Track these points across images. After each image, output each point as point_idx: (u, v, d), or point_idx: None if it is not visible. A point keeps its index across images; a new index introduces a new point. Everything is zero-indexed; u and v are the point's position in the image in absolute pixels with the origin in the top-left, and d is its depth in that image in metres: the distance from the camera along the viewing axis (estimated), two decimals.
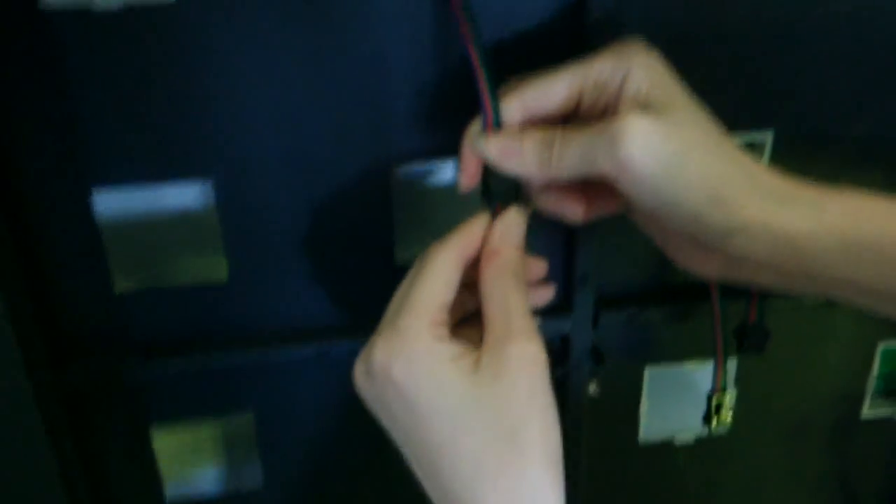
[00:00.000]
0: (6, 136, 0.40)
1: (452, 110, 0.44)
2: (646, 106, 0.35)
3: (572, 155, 0.36)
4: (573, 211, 0.40)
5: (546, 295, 0.42)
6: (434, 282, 0.35)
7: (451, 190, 0.46)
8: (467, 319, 0.38)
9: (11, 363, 0.42)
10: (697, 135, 0.35)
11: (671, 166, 0.34)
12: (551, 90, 0.37)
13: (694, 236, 0.36)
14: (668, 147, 0.34)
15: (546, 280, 0.42)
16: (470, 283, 0.37)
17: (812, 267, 0.34)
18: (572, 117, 0.38)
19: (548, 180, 0.38)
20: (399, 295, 0.36)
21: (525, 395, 0.32)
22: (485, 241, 0.37)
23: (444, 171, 0.46)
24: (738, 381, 0.56)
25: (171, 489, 0.53)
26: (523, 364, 0.33)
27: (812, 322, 0.55)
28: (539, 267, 0.41)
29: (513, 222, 0.37)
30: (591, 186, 0.39)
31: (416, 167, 0.45)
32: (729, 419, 0.51)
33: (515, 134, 0.37)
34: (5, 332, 0.41)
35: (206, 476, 0.53)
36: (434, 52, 0.42)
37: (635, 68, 0.36)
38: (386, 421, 0.35)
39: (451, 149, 0.45)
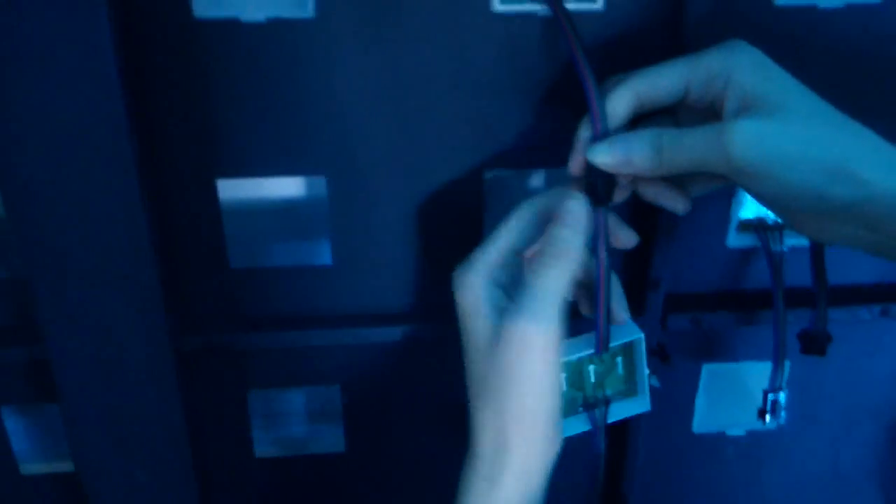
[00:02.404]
0: (150, 128, 0.45)
1: (546, 121, 0.48)
2: (754, 102, 0.36)
3: (682, 159, 0.38)
4: (674, 203, 0.43)
5: (630, 238, 0.45)
6: (509, 229, 0.42)
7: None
8: None
9: (159, 329, 0.48)
10: (815, 119, 0.36)
11: (787, 160, 0.35)
12: (662, 81, 0.39)
13: (819, 211, 0.37)
14: (780, 144, 0.35)
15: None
16: None
17: None
18: (677, 110, 0.40)
19: (656, 176, 0.41)
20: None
21: (511, 365, 0.39)
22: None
23: (534, 178, 0.50)
24: (791, 383, 0.59)
25: (259, 446, 0.58)
26: (522, 343, 0.39)
27: (868, 335, 0.58)
28: (628, 237, 0.44)
29: (576, 208, 0.41)
30: (695, 174, 0.41)
31: (508, 173, 0.49)
32: (783, 416, 0.54)
33: (623, 139, 0.39)
34: (156, 301, 0.47)
35: (294, 438, 0.58)
36: (529, 63, 0.46)
37: (743, 63, 0.37)
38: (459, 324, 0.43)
39: (542, 157, 0.49)
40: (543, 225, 0.41)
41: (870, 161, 0.35)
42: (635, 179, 0.42)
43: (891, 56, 0.48)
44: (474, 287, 0.41)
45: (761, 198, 0.40)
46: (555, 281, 0.39)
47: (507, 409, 0.40)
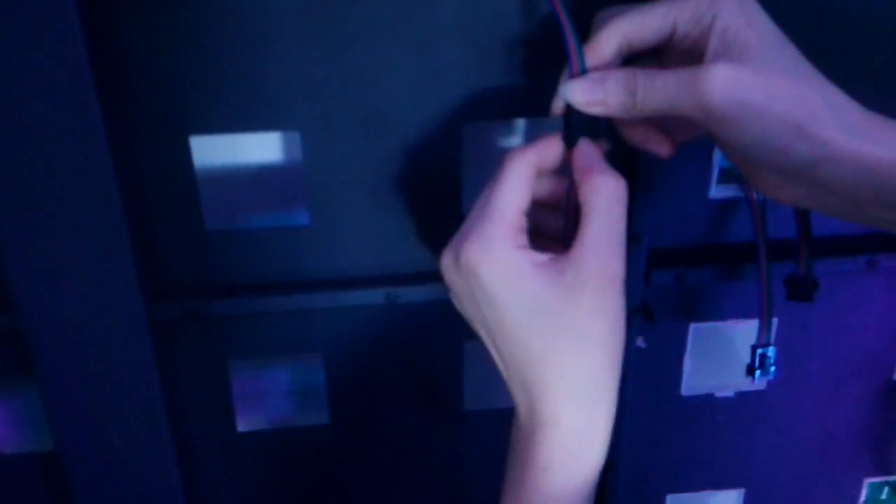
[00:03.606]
0: (119, 83, 0.44)
1: (522, 74, 0.47)
2: (733, 47, 0.36)
3: (655, 99, 0.37)
4: (657, 146, 0.42)
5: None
6: (514, 188, 0.38)
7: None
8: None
9: (132, 296, 0.46)
10: (786, 73, 0.36)
11: (756, 109, 0.35)
12: (648, 21, 0.39)
13: (778, 168, 0.37)
14: (753, 91, 0.35)
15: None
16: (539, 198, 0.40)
17: (891, 196, 0.36)
18: (663, 51, 0.40)
19: (630, 118, 0.40)
20: (482, 198, 0.39)
21: (593, 310, 0.37)
22: (565, 162, 0.40)
23: (512, 130, 0.49)
24: (777, 342, 0.59)
25: (242, 420, 0.57)
26: (601, 281, 0.37)
27: (853, 288, 0.58)
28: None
29: (594, 150, 0.40)
30: (676, 118, 0.40)
31: (486, 125, 0.48)
32: (772, 372, 0.53)
33: (598, 78, 0.39)
34: (129, 267, 0.45)
35: (277, 408, 0.57)
36: (506, 14, 0.45)
37: (730, 6, 0.37)
38: (469, 308, 0.40)
39: (519, 110, 0.48)
40: (537, 177, 0.40)
41: (832, 122, 0.36)
42: (619, 123, 0.42)
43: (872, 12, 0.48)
44: (507, 259, 0.37)
45: (727, 147, 0.40)
46: (613, 223, 0.38)
47: (592, 353, 0.38)
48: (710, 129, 0.37)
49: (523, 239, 0.39)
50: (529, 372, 0.38)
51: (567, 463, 0.38)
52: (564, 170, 0.41)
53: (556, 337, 0.37)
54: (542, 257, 0.38)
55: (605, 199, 0.38)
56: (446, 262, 0.39)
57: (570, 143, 0.40)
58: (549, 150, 0.40)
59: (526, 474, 0.38)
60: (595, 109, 0.39)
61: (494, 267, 0.37)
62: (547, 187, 0.42)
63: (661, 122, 0.42)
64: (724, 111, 0.36)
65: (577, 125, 0.40)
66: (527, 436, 0.39)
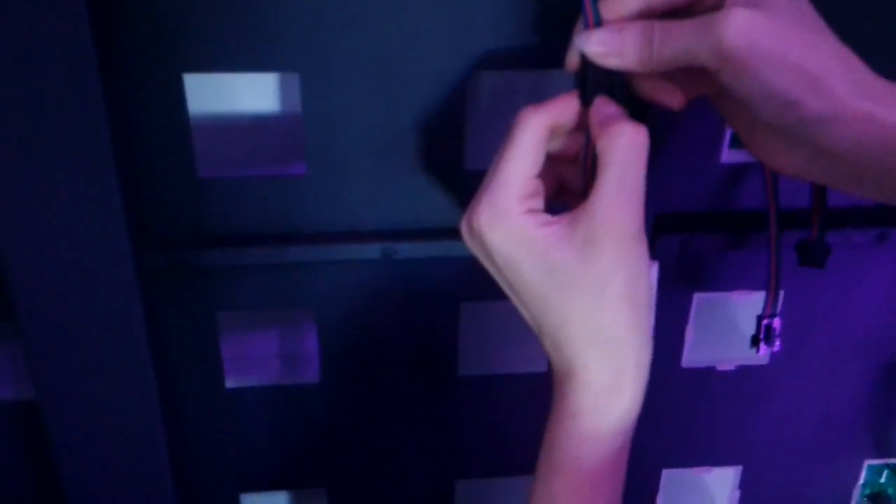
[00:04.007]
0: (109, 15, 0.42)
1: (534, 24, 0.46)
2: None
3: (673, 48, 0.37)
4: (671, 98, 0.41)
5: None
6: (525, 152, 0.38)
7: (525, 101, 0.48)
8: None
9: (120, 243, 0.45)
10: (801, 27, 0.36)
11: (773, 57, 0.35)
12: None
13: (785, 127, 0.37)
14: (770, 38, 0.35)
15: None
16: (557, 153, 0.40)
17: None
18: (682, 10, 0.39)
19: (647, 71, 0.39)
20: (494, 162, 0.39)
21: (610, 262, 0.37)
22: (581, 121, 0.39)
23: (520, 82, 0.47)
24: (782, 316, 0.57)
25: (230, 376, 0.55)
26: (615, 234, 0.36)
27: (860, 262, 0.57)
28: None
29: (611, 104, 0.39)
30: (689, 72, 0.40)
31: (494, 76, 0.47)
32: (777, 344, 0.52)
33: (615, 28, 0.38)
34: (117, 212, 0.44)
35: (266, 365, 0.55)
36: None
37: None
38: (490, 267, 0.40)
39: (529, 61, 0.47)
40: (550, 140, 0.39)
41: (843, 79, 0.35)
42: (631, 76, 0.41)
43: None
44: (516, 226, 0.37)
45: (735, 104, 0.40)
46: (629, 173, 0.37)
47: (613, 306, 0.37)
48: (724, 80, 0.36)
49: (536, 202, 0.39)
50: (554, 328, 0.39)
51: (595, 410, 0.39)
52: (581, 128, 0.40)
53: (574, 293, 0.37)
54: (553, 218, 0.38)
55: (623, 149, 0.37)
56: (464, 229, 0.40)
57: (586, 101, 0.39)
58: (565, 109, 0.39)
59: (557, 422, 0.39)
60: (611, 61, 0.38)
61: (504, 235, 0.38)
62: (565, 143, 0.41)
63: (674, 78, 0.41)
64: (740, 56, 0.35)
65: (593, 82, 0.39)
66: (558, 385, 0.40)
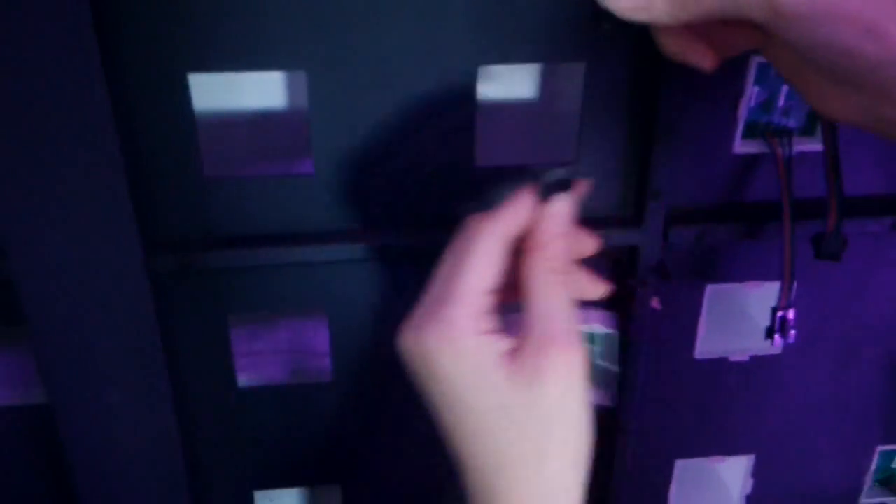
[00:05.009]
0: (115, 16, 0.41)
1: (542, 17, 0.45)
2: None
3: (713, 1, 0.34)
4: (702, 58, 0.38)
5: (597, 289, 0.41)
6: (480, 267, 0.35)
7: (534, 96, 0.47)
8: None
9: (130, 245, 0.44)
10: None
11: (827, 4, 0.33)
12: None
13: (841, 73, 0.35)
14: None
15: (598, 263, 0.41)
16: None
17: None
18: None
19: (678, 23, 0.36)
20: (445, 271, 0.36)
21: (556, 403, 0.34)
22: (532, 224, 0.37)
23: (530, 75, 0.46)
24: (795, 306, 0.57)
25: (242, 377, 0.55)
26: (559, 372, 0.34)
27: (873, 251, 0.56)
28: (590, 243, 0.41)
29: (561, 210, 0.37)
30: (723, 29, 0.37)
31: (503, 71, 0.46)
32: (791, 335, 0.52)
33: None
34: (127, 214, 0.43)
35: (277, 365, 0.55)
36: None
37: None
38: (426, 388, 0.37)
39: (538, 55, 0.46)
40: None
41: None
42: (657, 30, 0.38)
43: None
44: (470, 351, 0.35)
45: (786, 54, 0.37)
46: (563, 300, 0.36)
47: (555, 455, 0.35)
48: (774, 32, 0.34)
49: (489, 322, 0.36)
50: (488, 474, 0.35)
51: None
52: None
53: (517, 440, 0.35)
54: (506, 344, 0.35)
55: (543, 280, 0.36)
56: (407, 341, 0.36)
57: (545, 196, 0.38)
58: (518, 217, 0.37)
59: None
60: (640, 15, 0.36)
61: (457, 358, 0.35)
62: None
63: (706, 33, 0.38)
64: (794, 9, 0.33)
65: (547, 184, 0.38)
66: None
